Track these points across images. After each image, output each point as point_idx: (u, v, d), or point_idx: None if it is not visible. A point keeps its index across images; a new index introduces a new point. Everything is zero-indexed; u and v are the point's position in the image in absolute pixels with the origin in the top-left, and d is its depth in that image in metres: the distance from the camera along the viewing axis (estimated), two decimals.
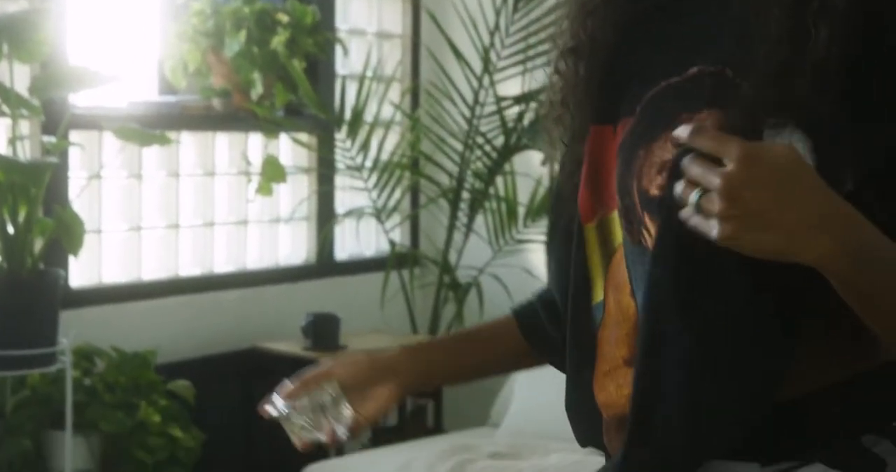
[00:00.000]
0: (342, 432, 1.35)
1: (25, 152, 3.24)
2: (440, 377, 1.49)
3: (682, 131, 0.96)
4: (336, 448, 3.92)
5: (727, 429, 1.08)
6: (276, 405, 1.36)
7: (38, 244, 3.20)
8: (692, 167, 0.94)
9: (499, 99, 4.18)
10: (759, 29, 1.06)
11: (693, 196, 0.94)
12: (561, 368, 1.30)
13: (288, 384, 1.37)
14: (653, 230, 1.12)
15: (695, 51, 1.13)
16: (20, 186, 3.05)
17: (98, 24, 3.98)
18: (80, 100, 3.65)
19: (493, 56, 4.18)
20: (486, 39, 4.17)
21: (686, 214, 0.95)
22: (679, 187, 0.96)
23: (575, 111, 1.25)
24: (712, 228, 0.93)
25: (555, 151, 1.30)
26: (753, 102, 1.03)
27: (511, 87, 4.20)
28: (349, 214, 4.37)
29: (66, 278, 3.34)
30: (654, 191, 1.11)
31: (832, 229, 0.94)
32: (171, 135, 3.90)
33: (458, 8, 4.21)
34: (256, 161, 4.12)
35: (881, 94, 1.03)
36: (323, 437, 1.36)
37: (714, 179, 0.92)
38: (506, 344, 1.42)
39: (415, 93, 4.62)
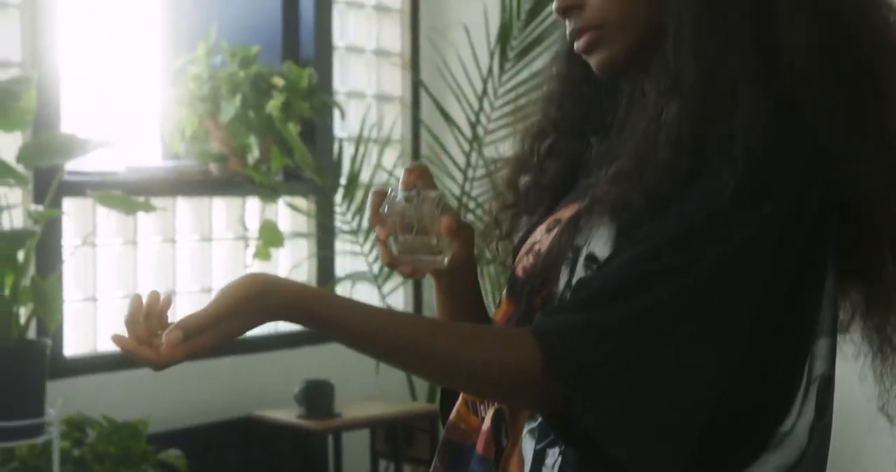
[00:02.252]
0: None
1: (12, 221, 3.22)
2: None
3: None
4: None
5: None
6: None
7: (25, 313, 3.17)
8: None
9: (488, 162, 4.13)
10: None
11: None
12: None
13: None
14: (503, 307, 1.23)
15: (620, 151, 1.18)
16: (4, 254, 3.02)
17: (98, 91, 3.99)
18: (78, 166, 3.64)
19: (483, 119, 4.15)
20: (476, 104, 4.14)
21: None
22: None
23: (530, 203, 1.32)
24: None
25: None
26: (591, 197, 1.16)
27: (504, 147, 4.15)
28: (346, 278, 4.32)
29: (53, 348, 3.30)
30: (518, 271, 1.23)
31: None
32: (167, 201, 3.88)
33: (446, 76, 4.18)
34: (254, 226, 4.09)
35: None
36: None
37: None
38: None
39: (415, 157, 4.58)
